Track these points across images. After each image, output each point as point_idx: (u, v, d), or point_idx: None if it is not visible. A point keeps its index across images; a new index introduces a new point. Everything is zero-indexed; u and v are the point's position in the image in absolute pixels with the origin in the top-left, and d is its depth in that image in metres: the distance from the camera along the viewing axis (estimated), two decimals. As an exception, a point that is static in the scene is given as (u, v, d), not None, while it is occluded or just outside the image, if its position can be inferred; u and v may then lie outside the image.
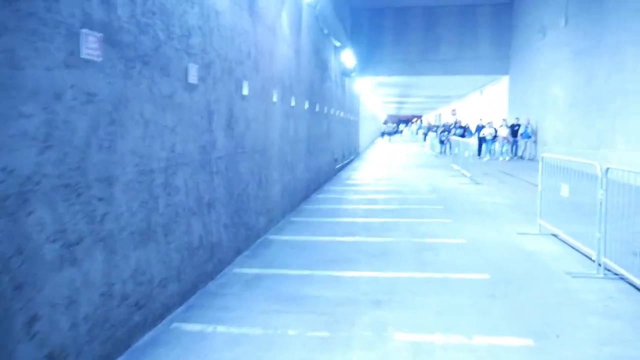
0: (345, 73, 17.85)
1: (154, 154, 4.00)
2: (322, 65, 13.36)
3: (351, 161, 22.12)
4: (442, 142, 26.35)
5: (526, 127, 21.75)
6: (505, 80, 28.72)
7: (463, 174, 15.64)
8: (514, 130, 22.58)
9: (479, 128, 23.78)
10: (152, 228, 4.00)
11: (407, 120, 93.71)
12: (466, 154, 15.12)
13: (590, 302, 4.58)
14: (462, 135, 22.98)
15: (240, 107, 6.19)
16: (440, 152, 26.10)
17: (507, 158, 22.23)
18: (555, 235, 7.19)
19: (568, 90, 18.51)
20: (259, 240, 7.04)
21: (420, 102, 56.05)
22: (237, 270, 5.71)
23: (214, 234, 5.36)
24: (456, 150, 17.39)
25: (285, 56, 8.80)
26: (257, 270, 5.67)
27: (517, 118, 22.80)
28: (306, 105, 10.89)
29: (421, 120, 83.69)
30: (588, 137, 16.29)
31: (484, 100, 36.27)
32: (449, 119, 46.30)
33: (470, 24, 27.61)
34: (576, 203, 6.51)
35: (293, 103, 9.41)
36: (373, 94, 37.73)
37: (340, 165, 18.12)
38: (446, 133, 26.02)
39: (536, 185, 13.98)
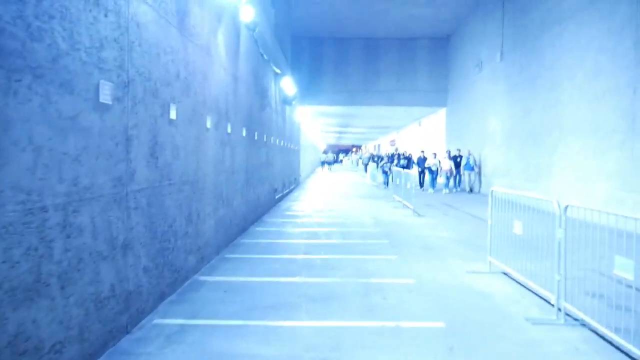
0: (285, 101, 17.38)
1: (48, 188, 3.23)
2: (261, 92, 12.81)
3: (291, 191, 21.54)
4: (385, 172, 25.22)
5: (467, 159, 21.50)
6: (442, 112, 29.28)
7: (406, 206, 15.37)
8: (456, 161, 22.18)
9: (421, 160, 23.15)
10: (44, 280, 3.21)
11: (346, 150, 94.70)
12: (408, 185, 14.89)
13: (558, 357, 4.12)
14: (407, 166, 22.48)
15: (167, 133, 5.48)
16: (384, 183, 24.98)
17: (447, 191, 21.54)
18: (506, 274, 6.82)
19: (505, 123, 18.84)
20: (187, 283, 6.25)
21: (361, 132, 56.61)
22: (159, 320, 4.90)
23: (131, 280, 4.56)
24: (398, 182, 17.19)
25: (222, 80, 8.17)
26: (181, 321, 4.89)
27: (459, 149, 22.83)
28: (244, 133, 10.26)
29: (360, 150, 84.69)
30: (526, 169, 16.50)
31: (423, 131, 36.89)
32: (389, 149, 46.85)
33: (410, 56, 28.10)
34: (525, 239, 6.17)
35: (229, 130, 8.75)
36: (313, 122, 37.57)
37: (281, 195, 17.48)
38: (389, 164, 25.15)
39: (479, 218, 14.13)
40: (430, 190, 21.80)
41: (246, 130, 10.53)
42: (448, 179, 21.71)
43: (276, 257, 7.95)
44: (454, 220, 12.56)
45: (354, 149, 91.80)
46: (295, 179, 24.15)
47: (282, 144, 17.82)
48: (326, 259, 7.87)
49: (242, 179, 10.15)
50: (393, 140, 50.98)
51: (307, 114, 29.53)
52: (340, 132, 60.85)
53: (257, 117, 12.11)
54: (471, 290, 6.11)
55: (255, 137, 11.82)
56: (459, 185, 22.43)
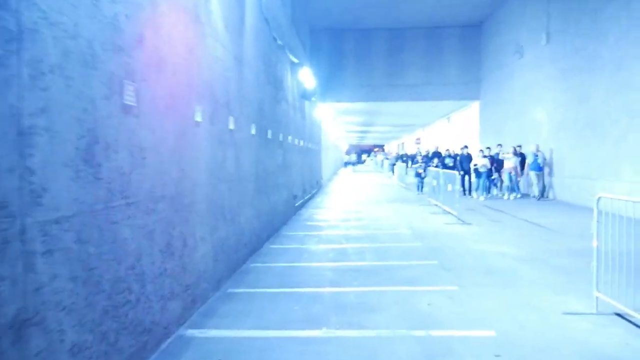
0: (305, 95, 15.47)
1: None
2: (275, 83, 10.89)
3: (313, 196, 19.60)
4: (419, 175, 20.62)
5: (535, 156, 16.50)
6: (475, 106, 27.05)
7: (445, 211, 13.29)
8: (521, 160, 17.39)
9: (465, 158, 18.57)
10: None
11: (369, 150, 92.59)
12: (449, 187, 12.81)
13: None
14: (453, 167, 18.43)
15: (120, 127, 3.57)
16: (418, 189, 20.57)
17: (517, 195, 17.06)
18: (620, 316, 4.76)
19: (553, 113, 16.61)
20: (165, 344, 4.33)
21: (384, 130, 54.51)
22: None
23: (44, 375, 2.66)
24: (434, 183, 15.13)
25: (219, 60, 6.26)
26: None
27: (519, 146, 17.70)
28: (253, 130, 8.34)
29: (383, 150, 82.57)
30: (583, 164, 14.27)
31: (451, 128, 34.62)
32: (415, 148, 44.62)
33: (438, 47, 25.96)
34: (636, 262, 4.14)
35: (232, 126, 6.83)
36: (335, 121, 35.61)
37: (302, 201, 15.55)
38: (423, 164, 20.97)
39: (538, 225, 11.43)
40: (481, 197, 17.04)
41: (256, 127, 8.62)
42: (511, 181, 17.20)
43: (294, 292, 5.99)
44: (509, 230, 10.45)
45: (376, 149, 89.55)
46: (317, 182, 22.22)
47: (301, 144, 15.89)
48: (362, 293, 5.88)
49: (251, 187, 8.24)
50: (419, 139, 48.70)
51: (329, 112, 27.58)
52: (362, 132, 58.78)
53: (270, 112, 10.19)
54: (586, 349, 4.06)
55: (269, 136, 9.91)
56: (517, 189, 17.58)
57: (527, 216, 12.29)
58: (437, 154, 21.58)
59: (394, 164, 35.99)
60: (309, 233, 10.60)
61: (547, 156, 16.78)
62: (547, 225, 10.86)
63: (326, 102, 25.25)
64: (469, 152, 18.82)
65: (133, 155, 3.77)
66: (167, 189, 4.47)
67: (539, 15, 17.53)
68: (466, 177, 18.32)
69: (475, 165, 17.47)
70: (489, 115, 24.62)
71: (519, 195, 17.22)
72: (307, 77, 14.34)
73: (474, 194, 17.66)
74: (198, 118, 5.33)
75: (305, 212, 14.48)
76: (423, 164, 20.82)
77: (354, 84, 26.22)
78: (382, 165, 53.24)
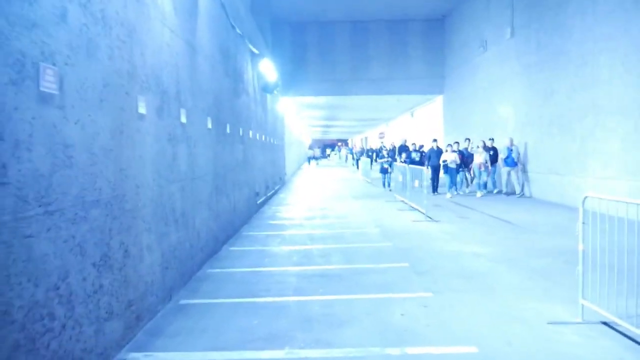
0: (266, 88, 14.83)
1: None
2: (235, 74, 10.24)
3: (277, 192, 19.00)
4: (384, 170, 19.56)
5: (510, 151, 15.53)
6: (439, 100, 26.93)
7: (412, 208, 12.93)
8: (492, 154, 16.47)
9: (434, 153, 17.21)
10: None
11: (332, 145, 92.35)
12: (416, 183, 12.44)
13: None
14: (420, 162, 17.32)
15: (36, 120, 2.93)
16: (384, 185, 19.63)
17: (482, 194, 15.97)
18: (607, 325, 4.40)
19: (519, 109, 16.48)
20: (102, 374, 3.71)
21: (348, 125, 54.23)
22: None
23: None
24: (400, 179, 14.75)
25: (167, 45, 5.61)
26: None
27: (491, 139, 17.04)
28: (210, 125, 7.70)
29: (346, 144, 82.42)
30: (549, 160, 14.15)
31: (415, 123, 34.53)
32: (377, 143, 44.47)
33: (402, 41, 25.66)
34: (620, 265, 3.78)
35: (184, 119, 6.19)
36: (298, 115, 35.03)
37: (264, 198, 14.94)
38: (389, 159, 19.99)
39: (507, 222, 10.94)
40: (449, 193, 16.07)
41: (213, 121, 7.98)
42: (480, 176, 16.19)
43: (256, 303, 5.42)
44: (480, 227, 10.13)
45: (340, 144, 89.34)
46: (280, 178, 21.63)
47: (263, 138, 15.27)
48: (329, 302, 5.36)
49: (209, 187, 7.61)
50: (382, 133, 48.61)
51: (292, 106, 26.98)
52: (326, 126, 58.34)
53: (229, 105, 9.55)
54: (579, 370, 3.66)
55: (228, 131, 9.27)
56: (494, 186, 16.90)
57: (495, 212, 12.03)
58: (403, 148, 20.53)
59: (358, 159, 35.45)
60: (272, 233, 10.02)
61: (522, 151, 15.85)
62: (516, 222, 10.60)
63: (289, 96, 24.63)
64: (439, 147, 17.69)
65: (54, 154, 3.12)
66: (103, 193, 3.83)
67: (503, 10, 17.36)
68: (436, 175, 17.23)
69: (444, 160, 16.28)
70: (453, 110, 24.49)
71: (495, 191, 16.60)
72: (268, 69, 13.71)
73: (447, 192, 16.17)
74: (142, 110, 4.69)
75: (268, 210, 13.88)
76: (389, 159, 19.99)
77: (317, 78, 25.67)
78: (346, 159, 52.93)
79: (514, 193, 16.01)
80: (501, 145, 16.27)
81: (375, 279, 6.24)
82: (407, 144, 20.82)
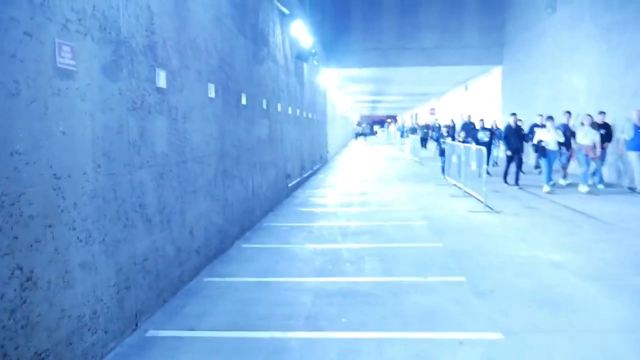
0: (301, 56, 13.11)
1: None
2: (255, 36, 8.58)
3: (315, 172, 17.39)
4: (442, 152, 15.33)
5: (637, 129, 10.62)
6: (496, 72, 24.46)
7: (467, 194, 11.03)
8: (603, 134, 11.54)
9: (514, 132, 12.65)
10: None
11: (381, 121, 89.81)
12: (473, 166, 10.51)
13: None
14: (488, 144, 14.19)
15: None
16: (443, 171, 14.97)
17: (586, 188, 11.02)
18: None
19: (594, 77, 14.10)
20: None
21: (396, 100, 51.76)
22: None
23: None
24: (454, 159, 12.81)
25: (130, -23, 4.00)
26: None
27: (602, 112, 11.95)
28: (212, 93, 6.10)
29: (395, 121, 79.85)
30: (635, 138, 11.78)
31: (469, 97, 31.97)
32: (427, 119, 42.05)
33: (456, 4, 23.20)
34: None
35: (162, 83, 4.60)
36: (343, 91, 33.11)
37: (298, 180, 13.37)
38: (448, 138, 16.34)
39: (589, 216, 8.51)
40: (546, 186, 11.31)
41: (219, 89, 6.39)
42: (588, 164, 11.28)
43: (246, 339, 3.85)
44: (553, 222, 8.18)
45: (389, 120, 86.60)
46: (321, 156, 19.97)
47: (298, 113, 13.62)
48: (351, 343, 3.72)
49: (210, 171, 6.04)
50: (433, 109, 45.91)
51: (335, 80, 25.10)
52: (373, 102, 55.96)
53: (246, 71, 7.92)
54: None
55: (244, 102, 7.66)
56: (600, 179, 11.81)
57: (571, 203, 9.97)
58: (468, 126, 16.67)
59: (425, 139, 30.75)
60: (298, 224, 8.43)
61: None
62: (597, 215, 8.58)
63: (331, 67, 22.78)
64: (519, 124, 13.03)
65: None
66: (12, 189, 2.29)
67: (578, -39, 14.86)
68: (512, 159, 12.54)
69: (540, 141, 11.28)
70: (513, 81, 22.03)
71: (600, 186, 11.59)
72: (301, 32, 11.96)
73: (544, 185, 11.36)
74: (65, 63, 3.11)
75: (301, 194, 12.29)
76: (448, 138, 16.51)
77: (362, 48, 23.65)
78: (403, 136, 50.50)
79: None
80: (627, 122, 11.15)
81: (420, 304, 4.53)
82: (471, 121, 17.56)
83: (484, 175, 9.55)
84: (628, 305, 4.41)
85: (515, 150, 12.40)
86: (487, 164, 13.28)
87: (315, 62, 17.50)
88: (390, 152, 31.38)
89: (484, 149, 9.67)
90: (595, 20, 13.92)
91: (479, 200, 9.96)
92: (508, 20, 22.30)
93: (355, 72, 25.33)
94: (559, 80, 16.61)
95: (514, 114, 12.91)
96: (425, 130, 29.59)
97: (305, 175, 14.72)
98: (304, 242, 7.13)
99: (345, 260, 6.10)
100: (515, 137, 12.53)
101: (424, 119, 45.21)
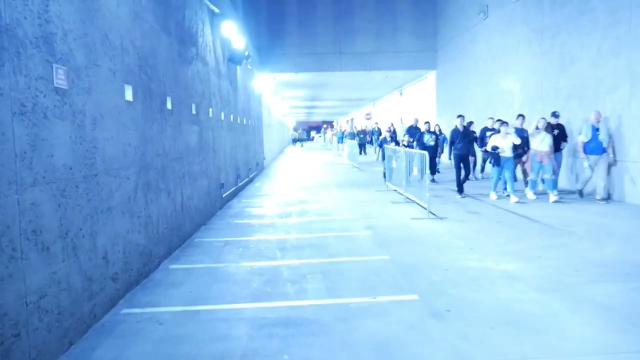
0: (233, 59, 12.42)
1: None
2: (181, 33, 7.85)
3: (251, 180, 16.67)
4: (385, 157, 14.29)
5: (595, 130, 10.08)
6: (431, 76, 24.72)
7: (408, 199, 10.72)
8: (556, 136, 11.05)
9: (463, 136, 11.72)
10: None
11: (317, 127, 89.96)
12: (415, 171, 10.20)
13: None
14: (434, 148, 13.91)
15: None
16: (385, 177, 13.92)
17: (555, 196, 10.23)
18: None
19: (527, 81, 14.29)
20: None
21: (332, 105, 51.79)
22: None
23: None
24: (394, 164, 12.50)
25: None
26: None
27: (556, 114, 11.42)
28: (129, 96, 5.35)
29: (332, 126, 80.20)
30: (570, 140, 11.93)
31: (404, 102, 32.24)
32: (365, 124, 42.25)
33: (390, 11, 23.28)
34: None
35: (61, 81, 3.85)
36: (279, 96, 32.54)
37: (233, 190, 12.64)
38: (392, 143, 15.29)
39: (532, 220, 8.23)
40: (493, 194, 10.86)
41: (139, 92, 5.64)
42: (539, 171, 10.68)
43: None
44: (498, 227, 7.95)
45: (325, 126, 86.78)
46: (257, 163, 19.27)
47: (232, 119, 12.89)
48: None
49: (129, 184, 5.28)
50: (369, 114, 46.22)
51: (270, 85, 24.48)
52: (309, 107, 55.72)
53: (172, 73, 7.18)
54: None
55: (169, 107, 6.92)
56: (553, 185, 10.54)
57: (511, 207, 9.86)
58: (413, 130, 16.36)
59: (363, 144, 30.22)
60: (233, 238, 7.75)
61: (613, 127, 10.27)
62: (541, 219, 8.46)
63: (266, 72, 22.17)
64: (467, 125, 12.49)
65: None
66: None
67: (509, -33, 15.06)
68: (464, 166, 11.81)
69: (494, 148, 10.48)
70: (447, 86, 22.25)
71: (553, 193, 10.32)
72: (233, 33, 11.27)
73: (491, 192, 10.91)
74: None
75: (237, 204, 11.58)
76: (392, 143, 15.37)
77: (297, 53, 23.20)
78: (331, 142, 50.47)
79: (607, 197, 10.14)
80: (585, 124, 10.33)
81: (372, 331, 4.01)
82: (417, 125, 17.32)
83: (427, 180, 9.21)
84: (593, 320, 4.08)
85: (464, 156, 11.71)
86: (433, 170, 13.09)
87: (249, 67, 16.83)
88: (328, 157, 31.07)
89: (426, 153, 9.34)
90: (528, 24, 14.11)
91: (422, 206, 9.65)
92: (441, 26, 22.54)
93: (291, 77, 24.85)
94: (493, 84, 16.80)
95: (461, 116, 12.13)
96: (362, 136, 29.31)
97: (240, 184, 14.00)
98: (239, 259, 6.47)
99: (285, 279, 5.50)
100: (465, 142, 11.61)
101: (361, 123, 45.34)
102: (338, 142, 36.18)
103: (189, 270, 6.04)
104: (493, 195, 10.83)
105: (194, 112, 8.45)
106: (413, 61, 23.65)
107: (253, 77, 18.70)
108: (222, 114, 11.43)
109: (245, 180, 15.03)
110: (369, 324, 4.14)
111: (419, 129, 16.31)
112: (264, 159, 22.75)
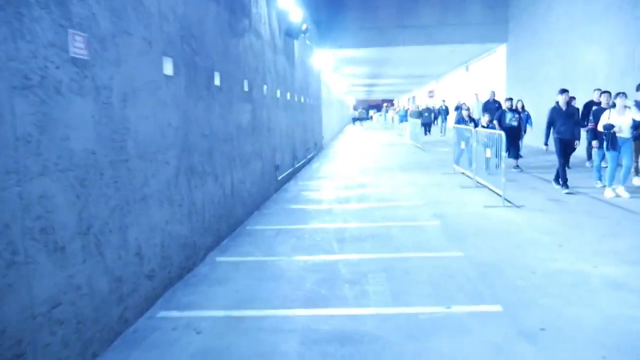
0: (291, 32, 11.71)
1: None
2: (230, 3, 7.20)
3: (310, 161, 16.06)
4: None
5: None
6: (500, 50, 23.05)
7: (479, 184, 9.75)
8: None
9: (561, 114, 9.13)
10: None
11: (377, 106, 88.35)
12: (488, 153, 9.20)
13: None
14: (518, 128, 12.02)
15: None
16: (457, 162, 12.14)
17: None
18: None
19: (617, 52, 12.75)
20: None
21: (392, 83, 50.24)
22: None
23: None
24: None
25: None
26: None
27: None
28: (169, 70, 4.75)
29: (393, 105, 78.45)
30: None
31: (471, 78, 30.55)
32: (426, 102, 40.67)
33: (457, -20, 21.68)
34: None
35: (83, 52, 3.26)
36: (338, 73, 31.65)
37: (290, 171, 12.05)
38: (471, 124, 12.33)
39: (628, 211, 6.99)
40: (609, 190, 8.35)
41: (181, 65, 5.05)
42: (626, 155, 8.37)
43: None
44: (589, 219, 6.91)
45: (386, 104, 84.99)
46: (315, 143, 18.63)
47: (288, 97, 12.25)
48: None
49: (169, 170, 4.71)
50: (432, 91, 44.48)
51: (330, 61, 23.64)
52: (369, 85, 54.33)
53: (220, 45, 6.55)
54: None
55: (217, 83, 6.31)
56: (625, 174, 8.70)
57: (597, 192, 8.69)
58: (489, 106, 13.78)
59: (429, 123, 26.91)
60: (287, 227, 7.13)
61: None
62: (625, 205, 7.32)
63: (326, 48, 21.32)
64: (572, 104, 10.07)
65: None
66: None
67: None
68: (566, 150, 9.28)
69: (607, 127, 8.20)
70: (519, 60, 20.63)
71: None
72: (290, 4, 10.54)
73: (597, 182, 9.15)
74: None
75: (293, 187, 10.98)
76: (471, 124, 12.37)
77: (358, 27, 22.16)
78: (393, 121, 49.01)
79: None
80: None
81: (450, 354, 3.26)
82: (495, 99, 14.67)
83: (503, 164, 8.21)
84: None
85: (569, 141, 9.12)
86: (516, 154, 11.68)
87: (307, 42, 16.09)
88: (389, 137, 29.98)
89: (503, 133, 8.27)
90: (617, -13, 12.54)
91: (496, 192, 8.68)
92: (514, -7, 20.85)
93: (352, 52, 23.87)
94: (572, 57, 15.26)
95: (565, 91, 9.24)
96: (426, 114, 27.66)
97: (297, 166, 13.39)
98: (293, 252, 5.84)
99: (342, 279, 4.81)
100: (569, 123, 9.06)
101: (424, 101, 43.72)
102: (400, 121, 34.81)
103: (238, 264, 5.46)
104: (609, 193, 8.24)
105: (246, 89, 7.83)
106: (481, 34, 22.08)
107: (312, 53, 17.95)
108: (278, 91, 10.79)
109: (302, 162, 14.42)
110: (444, 345, 3.38)
111: (498, 103, 14.32)
112: (323, 138, 22.08)
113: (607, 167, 8.47)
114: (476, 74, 29.20)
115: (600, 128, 8.45)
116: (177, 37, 5.00)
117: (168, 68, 4.72)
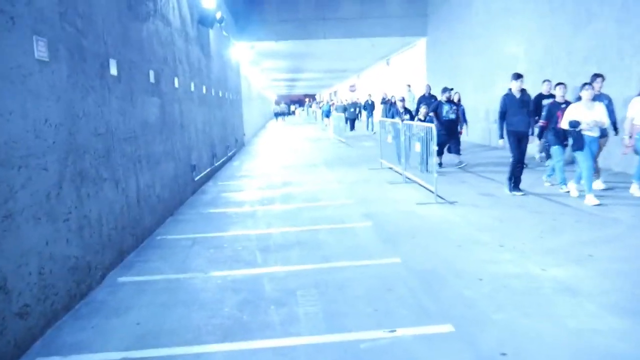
0: (204, 21, 10.79)
1: None
2: (132, -19, 6.26)
3: (230, 159, 15.16)
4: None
5: (606, 101, 7.77)
6: (420, 44, 23.16)
7: (408, 179, 9.38)
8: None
9: (516, 103, 7.93)
10: None
11: (299, 101, 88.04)
12: (417, 147, 8.80)
13: None
14: (454, 122, 11.22)
15: None
16: (399, 159, 10.49)
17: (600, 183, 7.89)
18: None
19: (534, 44, 12.88)
20: None
21: (314, 78, 49.95)
22: None
23: None
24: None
25: None
26: None
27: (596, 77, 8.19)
28: (43, 54, 3.82)
29: (315, 100, 78.43)
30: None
31: (391, 72, 30.67)
32: (350, 97, 40.59)
33: (377, -28, 21.45)
34: None
35: None
36: (258, 67, 30.73)
37: (208, 171, 11.15)
38: (406, 116, 11.70)
39: (562, 204, 6.70)
40: (565, 187, 7.90)
41: (64, 50, 4.12)
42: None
43: None
44: (524, 215, 6.63)
45: (308, 99, 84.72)
46: (236, 140, 17.70)
47: (205, 91, 11.32)
48: None
49: (49, 176, 3.79)
50: (353, 85, 44.49)
51: (249, 54, 22.70)
52: (291, 80, 53.71)
53: (118, 28, 5.62)
54: None
55: (114, 73, 5.38)
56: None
57: (530, 183, 8.54)
58: (426, 100, 12.81)
59: (354, 118, 26.43)
60: (204, 235, 6.33)
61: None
62: (573, 203, 7.16)
63: (244, 40, 20.43)
64: (525, 93, 8.12)
65: None
66: None
67: None
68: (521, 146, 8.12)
69: (573, 123, 7.02)
70: (439, 54, 20.75)
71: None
72: (202, -11, 9.64)
73: (588, 196, 7.07)
74: None
75: (212, 188, 10.12)
76: (406, 116, 11.64)
77: (278, 19, 21.41)
78: (315, 117, 48.63)
79: None
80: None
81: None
82: (431, 93, 13.72)
83: (434, 159, 7.82)
84: None
85: (523, 134, 7.92)
86: (457, 149, 11.17)
87: (224, 33, 15.15)
88: (312, 132, 29.45)
89: (433, 126, 7.82)
90: (534, -20, 12.63)
91: (426, 187, 8.30)
92: (432, -13, 20.93)
93: (272, 45, 23.06)
94: (492, 50, 15.37)
95: (519, 76, 8.01)
96: (352, 110, 27.16)
97: (217, 165, 12.49)
98: (209, 266, 5.06)
99: (268, 300, 4.11)
100: (522, 113, 7.90)
101: (347, 96, 43.66)
102: (323, 116, 34.38)
103: (142, 285, 4.61)
104: (591, 199, 6.90)
105: (152, 80, 6.91)
106: (401, 27, 22.04)
107: (230, 45, 17.01)
108: (192, 84, 9.86)
109: (222, 160, 13.52)
110: (393, 384, 2.78)
111: (434, 97, 13.41)
112: (244, 135, 21.17)
113: (579, 170, 7.33)
114: (397, 67, 29.33)
115: (564, 125, 7.17)
116: (54, 13, 4.07)
117: (43, 51, 3.79)
